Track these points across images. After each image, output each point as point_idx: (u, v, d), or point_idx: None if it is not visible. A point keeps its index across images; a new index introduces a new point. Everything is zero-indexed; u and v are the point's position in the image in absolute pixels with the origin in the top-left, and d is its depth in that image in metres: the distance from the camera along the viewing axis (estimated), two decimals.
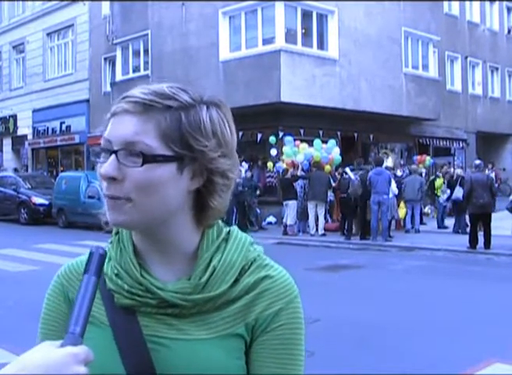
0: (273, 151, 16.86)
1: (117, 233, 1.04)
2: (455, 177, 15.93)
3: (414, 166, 16.93)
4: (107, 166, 0.91)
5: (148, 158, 0.90)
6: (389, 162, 15.47)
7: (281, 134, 17.40)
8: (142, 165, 0.90)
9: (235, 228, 1.06)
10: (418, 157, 19.08)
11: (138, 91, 0.94)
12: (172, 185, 0.93)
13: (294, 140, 16.23)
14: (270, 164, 17.12)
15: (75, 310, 0.84)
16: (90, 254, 0.90)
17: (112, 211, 0.93)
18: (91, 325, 0.97)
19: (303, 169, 15.65)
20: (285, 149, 15.92)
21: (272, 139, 16.77)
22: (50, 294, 1.07)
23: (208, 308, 0.97)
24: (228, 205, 1.01)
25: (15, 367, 0.76)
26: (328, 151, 15.89)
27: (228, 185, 0.99)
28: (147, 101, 0.92)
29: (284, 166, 15.96)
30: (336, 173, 15.85)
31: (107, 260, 1.00)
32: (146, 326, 0.96)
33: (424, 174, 17.89)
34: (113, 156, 0.91)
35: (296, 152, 15.76)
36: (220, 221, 1.04)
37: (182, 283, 0.96)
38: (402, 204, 15.60)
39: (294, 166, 15.67)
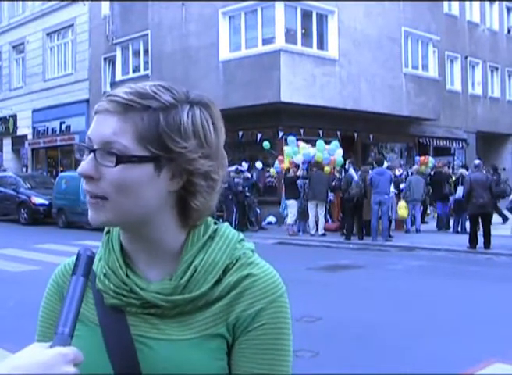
0: (258, 164, 16.88)
1: (107, 232, 1.04)
2: (457, 176, 15.88)
3: (416, 167, 16.90)
4: (84, 164, 0.92)
5: (122, 159, 0.90)
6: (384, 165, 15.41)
7: (281, 134, 17.41)
8: (116, 165, 0.90)
9: (223, 225, 1.04)
10: (422, 158, 19.02)
11: (121, 91, 0.93)
12: (149, 185, 0.92)
13: (297, 140, 16.22)
14: (273, 170, 17.13)
15: (63, 311, 0.85)
16: (78, 255, 0.90)
17: (91, 209, 0.94)
18: (82, 324, 0.98)
19: (303, 169, 15.66)
20: (286, 149, 15.91)
21: (266, 144, 16.73)
22: (47, 292, 1.08)
23: (189, 308, 0.96)
24: (215, 206, 1.00)
25: (3, 370, 0.77)
26: (331, 152, 15.84)
27: (212, 187, 0.97)
28: (127, 101, 0.91)
29: (283, 165, 15.95)
30: (336, 173, 15.79)
31: (97, 260, 1.01)
32: (133, 325, 0.97)
33: (433, 174, 17.88)
34: (91, 155, 0.92)
35: (296, 152, 15.75)
36: (210, 218, 1.03)
37: (163, 284, 0.96)
38: (402, 204, 15.54)
39: (295, 166, 15.66)
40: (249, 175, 16.84)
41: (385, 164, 14.83)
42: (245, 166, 17.15)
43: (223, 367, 0.96)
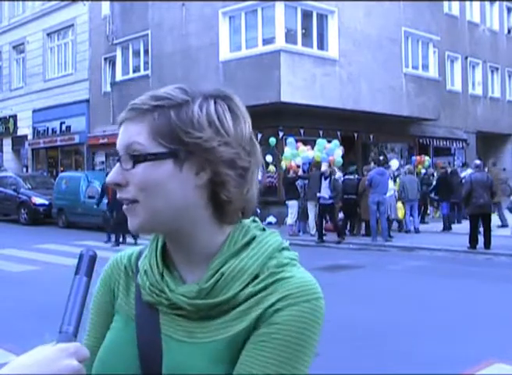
0: (269, 158, 16.82)
1: None
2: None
3: (409, 166, 16.83)
4: (111, 173, 0.95)
5: (139, 158, 0.92)
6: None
7: (281, 134, 17.40)
8: (134, 165, 0.92)
9: (268, 232, 1.02)
10: (418, 158, 19.02)
11: (138, 99, 0.97)
12: (173, 182, 0.93)
13: (296, 141, 16.20)
14: (272, 167, 17.09)
15: (67, 310, 0.85)
16: (81, 256, 0.91)
17: (128, 216, 0.96)
18: (120, 316, 1.03)
19: (303, 170, 15.65)
20: (286, 150, 15.90)
21: (272, 140, 16.72)
22: (99, 282, 1.11)
23: (212, 313, 0.95)
24: (255, 197, 1.00)
25: (8, 368, 0.78)
26: (330, 152, 15.80)
27: (243, 175, 0.96)
28: (141, 106, 0.95)
29: (286, 164, 15.95)
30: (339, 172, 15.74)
31: (143, 257, 1.05)
32: (163, 324, 0.98)
33: (434, 174, 17.84)
34: (117, 163, 0.95)
35: (295, 154, 15.74)
36: (254, 224, 1.03)
37: (190, 287, 0.96)
38: (399, 204, 15.52)
39: (296, 166, 15.66)
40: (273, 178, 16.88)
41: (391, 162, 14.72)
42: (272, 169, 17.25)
43: None
